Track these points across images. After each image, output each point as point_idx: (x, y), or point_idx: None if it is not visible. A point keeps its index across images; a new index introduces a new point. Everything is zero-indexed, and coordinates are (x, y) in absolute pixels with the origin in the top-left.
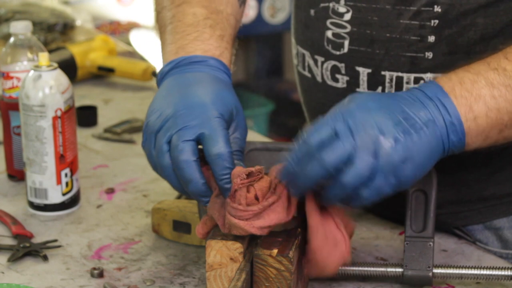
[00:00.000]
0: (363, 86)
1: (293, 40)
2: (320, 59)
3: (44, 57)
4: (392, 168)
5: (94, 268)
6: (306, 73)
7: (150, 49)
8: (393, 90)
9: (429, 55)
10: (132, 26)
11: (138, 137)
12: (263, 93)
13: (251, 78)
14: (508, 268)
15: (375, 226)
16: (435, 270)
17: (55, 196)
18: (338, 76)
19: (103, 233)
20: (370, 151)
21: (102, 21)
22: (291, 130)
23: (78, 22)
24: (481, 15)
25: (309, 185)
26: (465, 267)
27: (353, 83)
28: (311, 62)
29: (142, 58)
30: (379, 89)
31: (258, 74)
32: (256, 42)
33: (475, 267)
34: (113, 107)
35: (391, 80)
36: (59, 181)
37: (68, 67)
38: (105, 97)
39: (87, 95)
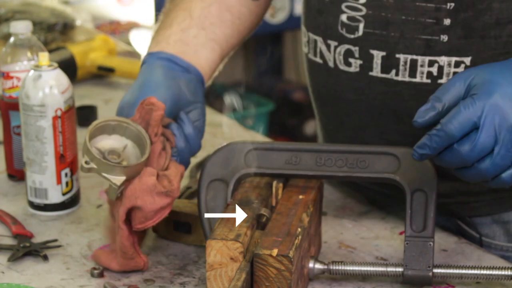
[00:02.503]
0: (376, 70)
1: (303, 28)
2: (333, 43)
3: (44, 57)
4: None
5: (94, 268)
6: (318, 59)
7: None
8: (407, 73)
9: (444, 38)
10: (132, 26)
11: None
12: (263, 93)
13: (251, 78)
14: (508, 268)
15: (375, 226)
16: (435, 270)
17: (55, 196)
18: (351, 60)
19: (103, 233)
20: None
21: (102, 21)
22: (291, 130)
23: (78, 22)
24: (497, 0)
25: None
26: (465, 267)
27: (366, 67)
28: (324, 48)
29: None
30: (393, 72)
31: (258, 74)
32: (256, 42)
33: (475, 267)
34: (113, 107)
35: (405, 63)
36: (59, 181)
37: (68, 67)
38: (105, 97)
39: (87, 95)
